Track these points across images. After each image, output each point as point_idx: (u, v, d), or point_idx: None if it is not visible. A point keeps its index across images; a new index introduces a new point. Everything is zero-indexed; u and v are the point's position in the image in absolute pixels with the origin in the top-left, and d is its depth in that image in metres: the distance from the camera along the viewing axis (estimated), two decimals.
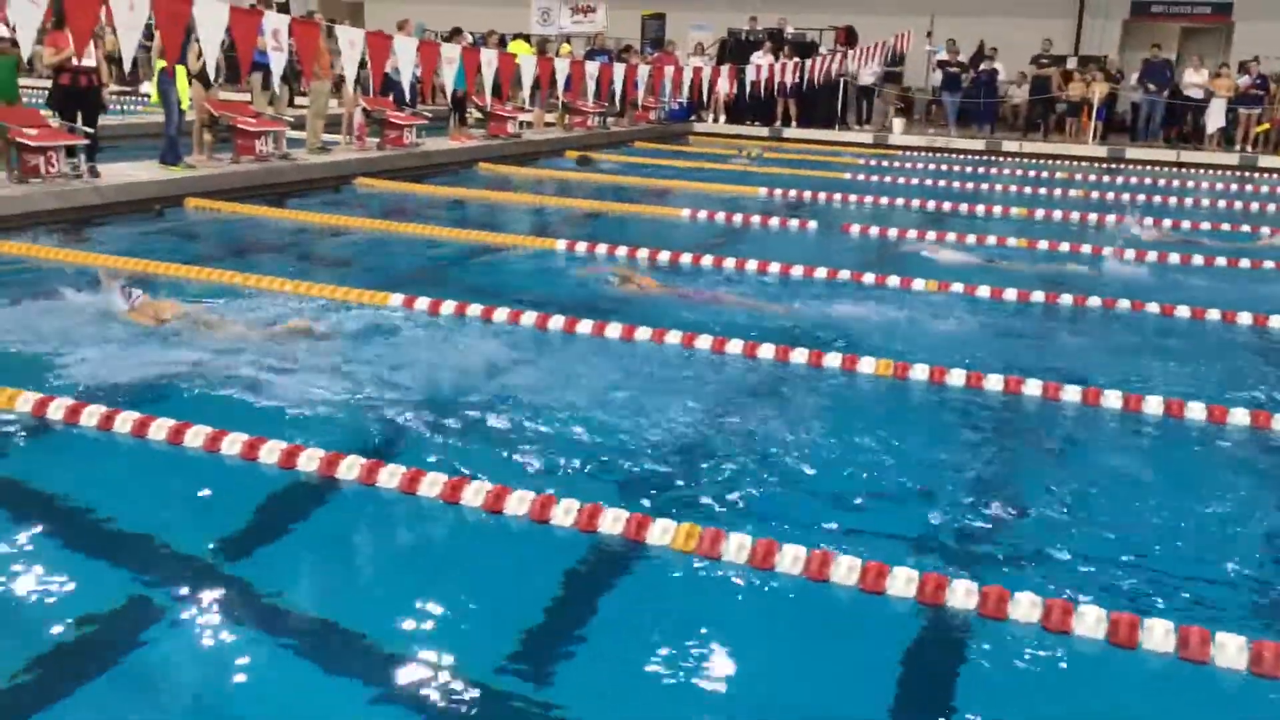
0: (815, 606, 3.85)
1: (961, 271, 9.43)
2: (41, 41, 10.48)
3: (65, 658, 3.37)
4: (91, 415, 5.07)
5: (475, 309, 7.38)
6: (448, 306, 7.44)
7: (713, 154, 18.87)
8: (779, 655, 3.58)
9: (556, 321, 7.19)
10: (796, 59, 21.68)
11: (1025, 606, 3.68)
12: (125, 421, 5.00)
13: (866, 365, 6.47)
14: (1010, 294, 8.58)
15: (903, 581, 3.82)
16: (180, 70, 11.38)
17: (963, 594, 3.75)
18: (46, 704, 3.13)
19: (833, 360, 6.55)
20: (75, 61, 10.35)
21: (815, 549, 4.01)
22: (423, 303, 7.51)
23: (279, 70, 11.71)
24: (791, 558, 3.96)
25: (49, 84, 10.95)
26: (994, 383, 6.23)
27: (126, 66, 11.19)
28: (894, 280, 8.92)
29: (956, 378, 6.29)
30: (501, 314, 7.32)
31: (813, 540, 4.15)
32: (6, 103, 10.57)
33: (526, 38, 22.40)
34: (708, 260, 9.44)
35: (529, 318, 7.26)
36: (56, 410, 5.14)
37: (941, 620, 3.75)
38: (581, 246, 9.85)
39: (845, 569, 3.88)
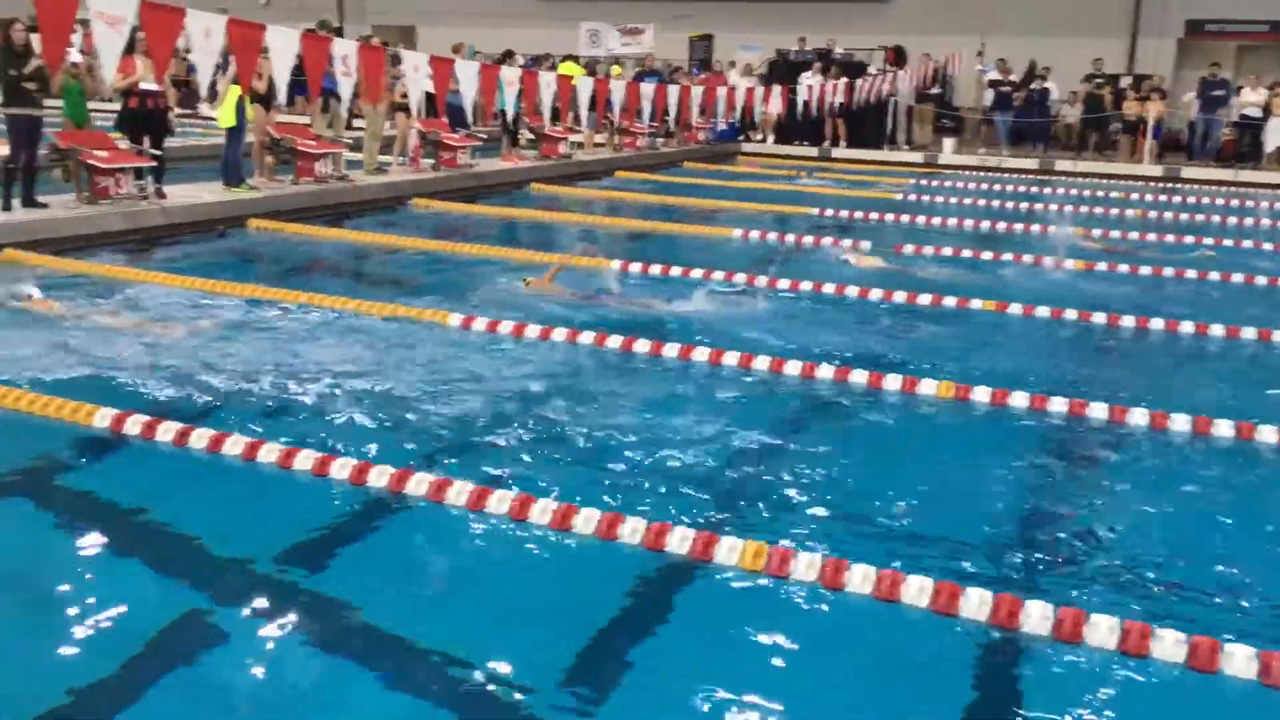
0: (885, 628, 3.84)
1: (1018, 292, 9.36)
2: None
3: (135, 663, 3.45)
4: (168, 431, 5.19)
5: (534, 329, 7.45)
6: (505, 326, 7.52)
7: (761, 174, 18.89)
8: (847, 677, 3.57)
9: (615, 340, 7.24)
10: (845, 79, 21.68)
11: (1103, 631, 3.64)
12: (201, 438, 5.12)
13: (927, 387, 6.44)
14: (1070, 314, 8.51)
15: (975, 603, 3.80)
16: (234, 92, 11.64)
17: (1038, 617, 3.72)
18: (120, 707, 3.22)
19: (893, 382, 6.53)
20: (143, 86, 10.62)
21: (885, 569, 4.01)
22: (481, 322, 7.60)
23: (347, 94, 11.92)
24: (861, 577, 3.95)
25: (116, 107, 11.23)
26: (1058, 404, 6.18)
27: (203, 91, 11.44)
28: (950, 301, 8.88)
29: (1019, 399, 6.25)
30: (560, 333, 7.38)
31: (882, 560, 4.15)
32: (77, 126, 10.87)
33: (576, 59, 22.59)
34: (763, 280, 9.45)
35: (586, 337, 7.31)
36: (133, 425, 5.26)
37: (1015, 644, 3.72)
38: (636, 267, 9.91)
39: (916, 589, 3.87)
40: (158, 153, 10.94)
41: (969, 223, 13.82)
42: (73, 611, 3.76)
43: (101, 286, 8.38)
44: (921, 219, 13.98)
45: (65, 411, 5.42)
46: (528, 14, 29.00)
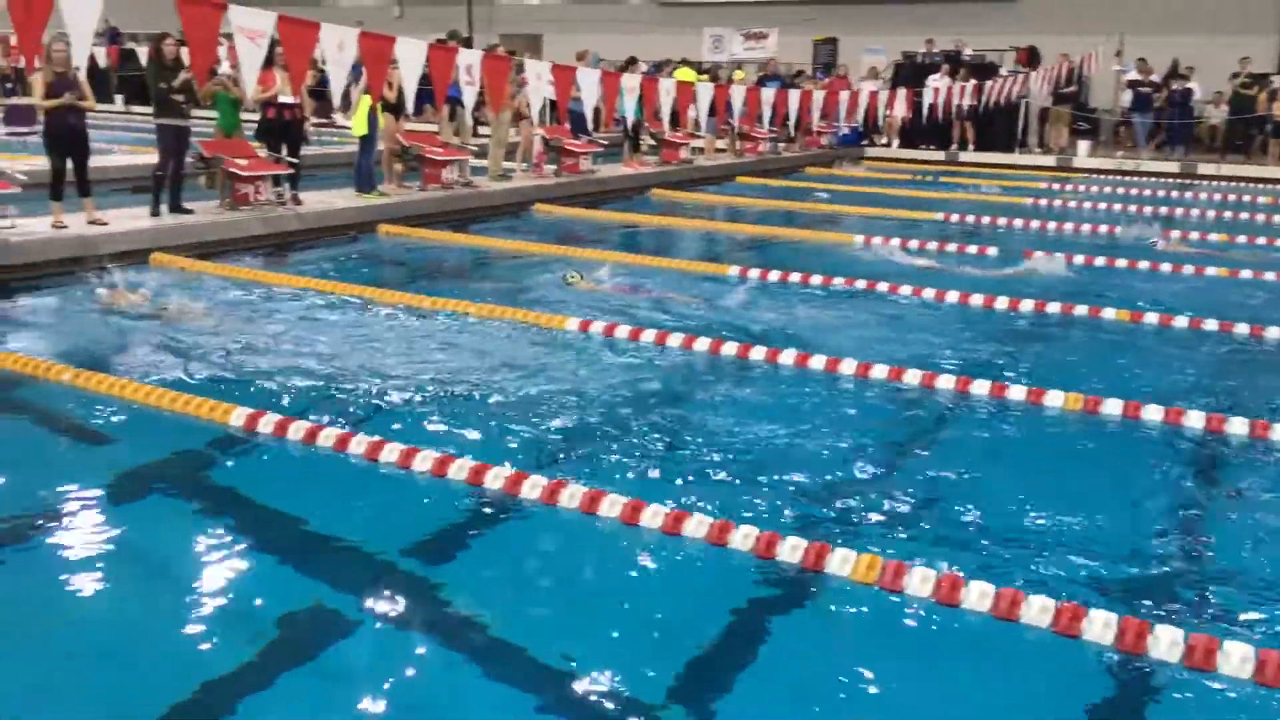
0: (1003, 648, 3.72)
1: (1153, 301, 8.97)
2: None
3: (268, 652, 3.59)
4: (297, 430, 5.39)
5: (649, 334, 7.49)
6: (622, 331, 7.57)
7: (886, 179, 18.58)
8: (962, 698, 3.48)
9: (730, 347, 7.22)
10: (974, 81, 21.14)
11: (1235, 660, 3.46)
12: (328, 437, 5.30)
13: (1054, 398, 6.23)
14: (1210, 324, 8.12)
15: (1100, 626, 3.65)
16: (366, 102, 12.04)
17: (1167, 643, 3.56)
18: (252, 691, 3.36)
19: (1017, 393, 6.34)
20: (280, 99, 11.09)
21: (1004, 587, 3.89)
22: (598, 326, 7.67)
23: (470, 102, 12.21)
24: (978, 594, 3.85)
25: (256, 118, 11.76)
26: (1194, 419, 5.90)
27: (336, 101, 11.87)
28: (1081, 309, 8.57)
29: (1153, 413, 5.99)
30: (676, 339, 7.40)
31: (1000, 578, 4.03)
32: (227, 135, 11.41)
33: (692, 64, 22.59)
34: (884, 286, 9.29)
35: (702, 343, 7.31)
36: (266, 425, 5.49)
37: (1141, 670, 3.56)
38: (754, 273, 9.86)
39: (1037, 610, 3.75)
40: (294, 161, 11.39)
41: (1103, 228, 13.31)
42: (206, 600, 3.94)
43: (240, 289, 8.77)
44: (1053, 224, 13.53)
45: (204, 410, 5.69)
46: (651, 21, 29.23)
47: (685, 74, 19.24)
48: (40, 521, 4.51)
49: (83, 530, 4.45)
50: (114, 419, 5.72)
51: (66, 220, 9.57)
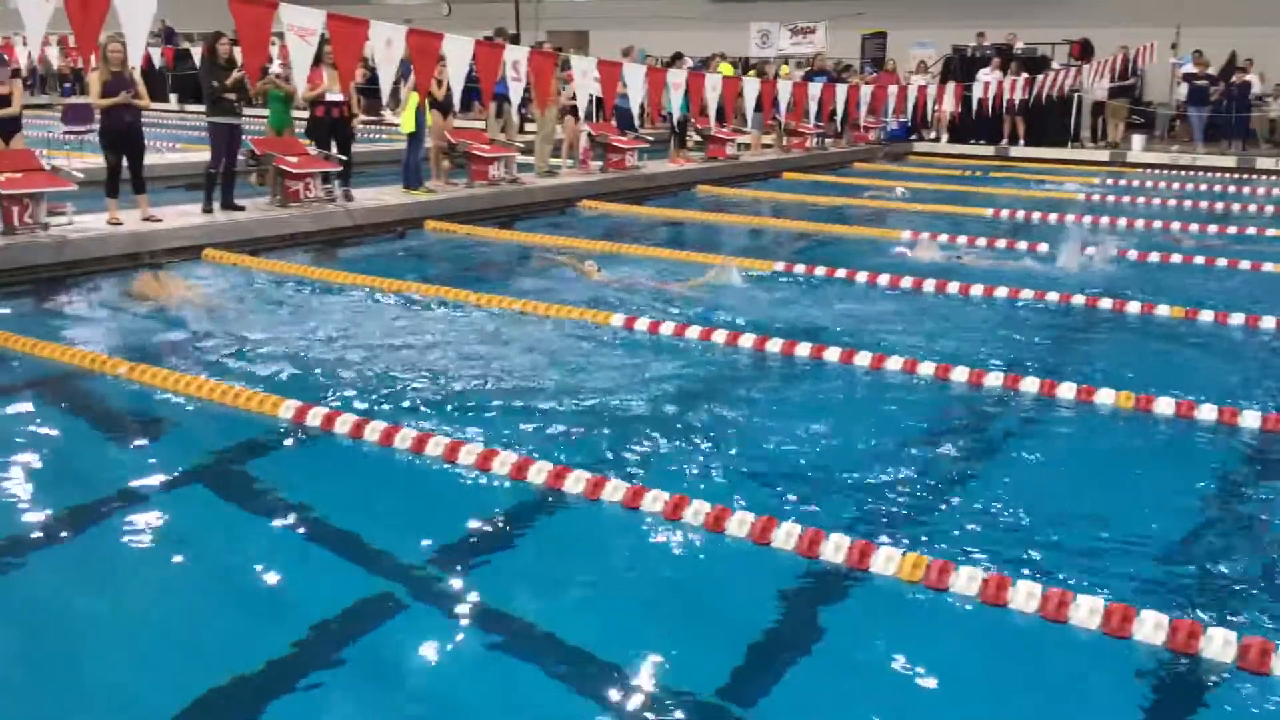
0: (1050, 649, 3.67)
1: (1213, 298, 8.80)
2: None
3: (312, 643, 3.63)
4: (344, 423, 5.46)
5: (694, 330, 7.48)
6: (667, 327, 7.57)
7: (934, 174, 18.39)
8: (1006, 699, 3.43)
9: (775, 344, 7.18)
10: (1026, 74, 20.84)
11: None
12: (374, 431, 5.36)
13: (1105, 396, 6.13)
14: (1268, 323, 7.94)
15: (1151, 627, 3.59)
16: (414, 99, 12.15)
17: (1220, 644, 3.49)
18: (296, 681, 3.41)
19: (1067, 391, 6.24)
20: (329, 96, 11.23)
21: (1053, 587, 3.84)
22: (643, 323, 7.67)
23: (517, 99, 12.27)
24: (1026, 595, 3.80)
25: (305, 115, 11.92)
26: (1250, 419, 5.77)
27: (385, 99, 11.99)
28: (1134, 307, 8.42)
29: (1207, 413, 5.87)
30: (720, 335, 7.38)
31: (1048, 578, 3.97)
32: (278, 133, 11.56)
33: (729, 59, 22.48)
34: (931, 283, 9.20)
35: (747, 340, 7.29)
36: (314, 418, 5.56)
37: (1192, 671, 3.50)
38: (800, 268, 9.81)
39: (1086, 611, 3.69)
40: (343, 158, 11.52)
41: (1158, 224, 13.07)
42: (253, 591, 4.01)
43: (290, 284, 8.89)
44: (1106, 219, 13.31)
45: (254, 403, 5.77)
46: (698, 16, 29.14)
47: (725, 70, 19.18)
48: (94, 512, 4.61)
49: (135, 520, 4.54)
50: (167, 412, 5.83)
51: (122, 217, 9.76)
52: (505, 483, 4.91)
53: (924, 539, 4.38)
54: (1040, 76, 20.91)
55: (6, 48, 18.42)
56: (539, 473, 4.88)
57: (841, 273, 9.59)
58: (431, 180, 13.01)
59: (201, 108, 11.28)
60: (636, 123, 16.01)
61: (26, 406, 6.07)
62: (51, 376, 6.42)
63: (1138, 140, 21.10)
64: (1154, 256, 10.77)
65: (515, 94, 12.08)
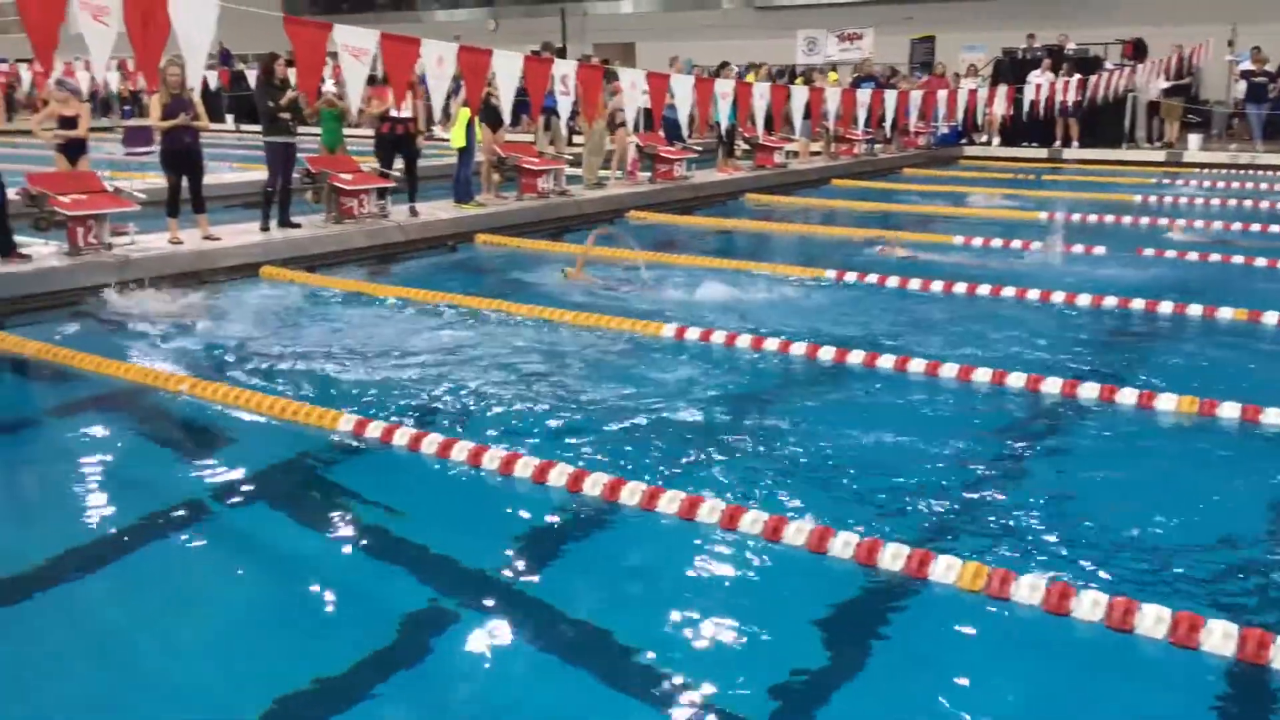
0: (1116, 658, 3.62)
1: (1276, 300, 8.60)
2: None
3: (369, 652, 3.67)
4: (403, 436, 5.53)
5: (745, 339, 7.47)
6: (718, 336, 7.57)
7: (986, 179, 18.20)
8: (1073, 712, 3.38)
9: (827, 352, 7.15)
10: (1078, 76, 20.56)
11: None
12: (431, 443, 5.42)
13: (1166, 402, 6.03)
14: None
15: (1219, 637, 3.52)
16: (464, 114, 12.28)
17: None
18: (354, 690, 3.45)
19: (1127, 396, 6.14)
20: (393, 113, 11.40)
21: (1117, 596, 3.78)
22: (694, 332, 7.68)
23: (566, 112, 12.36)
24: (1090, 603, 3.74)
25: (372, 133, 12.13)
26: None
27: (436, 115, 12.13)
28: (1195, 309, 8.27)
29: (1273, 417, 5.75)
30: (772, 343, 7.36)
31: (1112, 587, 3.91)
32: (330, 150, 11.75)
33: (757, 66, 22.34)
34: (984, 289, 9.10)
35: (799, 348, 7.26)
36: (373, 430, 5.64)
37: (1262, 682, 3.42)
38: (851, 275, 9.76)
39: (1153, 620, 3.63)
40: (395, 174, 11.68)
41: (1216, 224, 12.82)
42: (312, 601, 4.08)
43: (345, 300, 9.02)
44: (1163, 221, 13.08)
45: (313, 417, 5.87)
46: (744, 25, 29.12)
47: (753, 78, 19.12)
48: (160, 525, 4.71)
49: (196, 533, 4.65)
50: (228, 426, 5.95)
51: (182, 236, 9.97)
52: (561, 494, 4.94)
53: (985, 547, 4.33)
54: (1093, 77, 20.60)
55: (68, 72, 18.93)
56: (594, 485, 4.90)
57: (893, 279, 9.53)
58: (482, 194, 13.14)
59: (257, 128, 11.50)
60: (685, 133, 16.03)
61: (91, 422, 6.23)
62: (115, 393, 6.57)
63: (1194, 140, 20.70)
64: (1214, 257, 10.56)
65: (564, 108, 12.17)
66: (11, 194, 9.08)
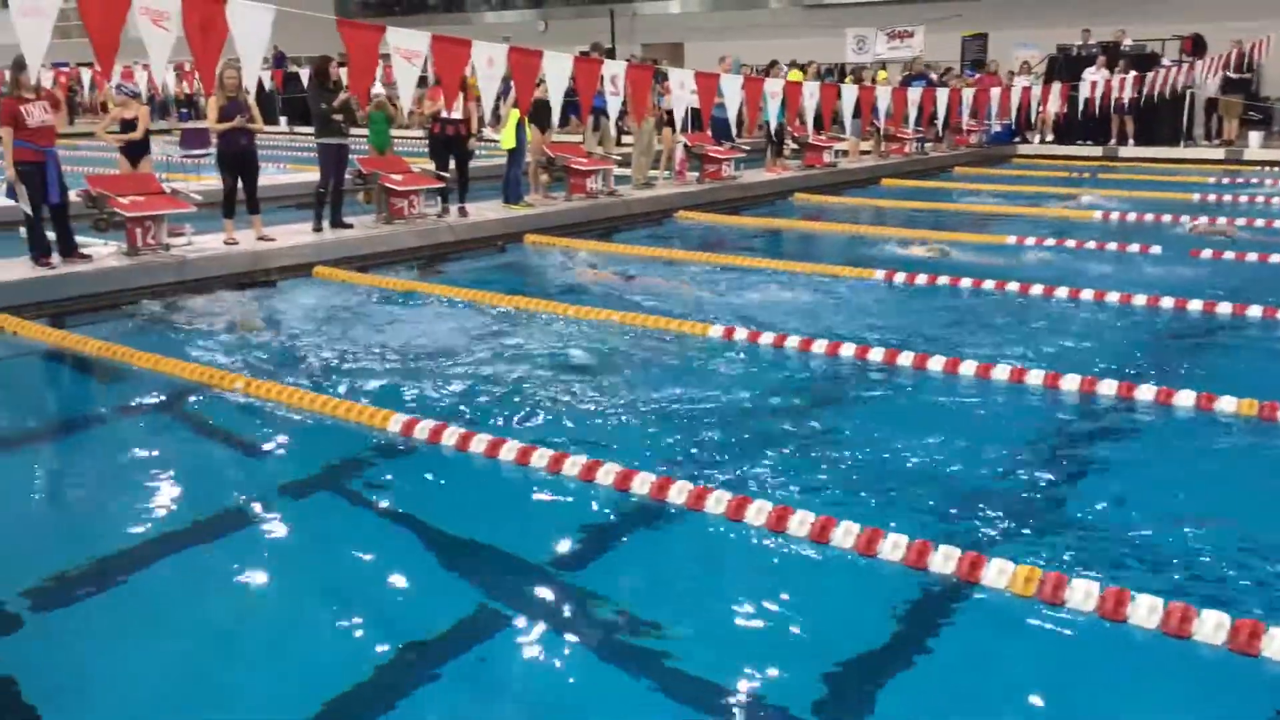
0: (1174, 666, 3.55)
1: None
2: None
3: (418, 652, 3.71)
4: (451, 435, 5.57)
5: (793, 340, 7.43)
6: (766, 337, 7.54)
7: (1039, 177, 17.95)
8: (1124, 716, 3.32)
9: (877, 353, 7.10)
10: (1134, 73, 20.19)
11: None
12: (480, 443, 5.46)
13: (1226, 404, 5.90)
14: None
15: (1279, 644, 3.44)
16: (514, 115, 12.36)
17: None
18: (402, 690, 3.48)
19: (1185, 399, 6.03)
20: (445, 113, 11.51)
21: (1174, 601, 3.71)
22: (741, 333, 7.66)
23: (614, 112, 12.39)
24: (1147, 609, 3.67)
25: (420, 135, 12.25)
26: None
27: (487, 116, 12.21)
28: (1255, 310, 8.08)
29: None
30: (820, 344, 7.32)
31: (1168, 593, 3.84)
32: (379, 152, 11.89)
33: (800, 66, 22.20)
34: (1037, 289, 8.98)
35: (848, 349, 7.21)
36: (422, 430, 5.68)
37: None
38: (900, 277, 9.67)
39: (1212, 626, 3.56)
40: (444, 174, 11.79)
41: (1278, 223, 12.53)
42: (361, 601, 4.11)
43: (396, 299, 9.11)
44: (1222, 220, 12.80)
45: (364, 416, 5.93)
46: (793, 24, 29.01)
47: (794, 76, 19.01)
48: (212, 523, 4.78)
49: (251, 531, 4.72)
50: (281, 425, 6.03)
51: (238, 237, 10.14)
52: (609, 493, 4.95)
53: (1037, 551, 4.27)
54: (1150, 74, 20.23)
55: (127, 75, 19.31)
56: (643, 484, 4.91)
57: (944, 279, 9.43)
58: (530, 194, 13.20)
59: (310, 129, 11.65)
60: (733, 132, 16.00)
61: (148, 419, 6.35)
62: (172, 391, 6.70)
63: (1255, 137, 20.25)
64: (1275, 258, 10.32)
65: (613, 108, 12.19)
66: (73, 195, 9.30)
